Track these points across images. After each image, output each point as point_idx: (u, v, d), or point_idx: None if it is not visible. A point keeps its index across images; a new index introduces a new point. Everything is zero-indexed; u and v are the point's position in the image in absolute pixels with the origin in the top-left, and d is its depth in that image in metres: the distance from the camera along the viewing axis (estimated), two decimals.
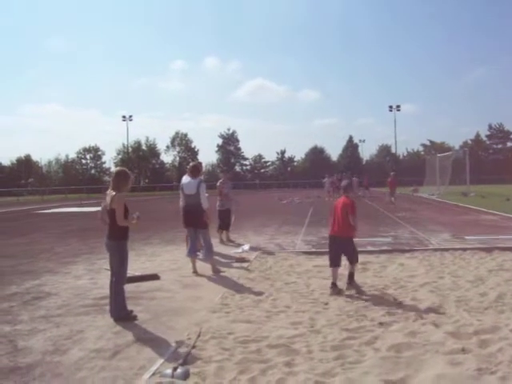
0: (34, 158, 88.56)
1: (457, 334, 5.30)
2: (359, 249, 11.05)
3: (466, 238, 12.96)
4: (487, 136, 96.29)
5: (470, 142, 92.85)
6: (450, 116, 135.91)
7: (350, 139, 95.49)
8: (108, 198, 6.33)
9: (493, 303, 6.51)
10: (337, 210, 7.69)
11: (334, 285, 7.55)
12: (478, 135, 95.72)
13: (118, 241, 6.33)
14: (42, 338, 5.67)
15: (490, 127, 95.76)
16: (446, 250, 10.97)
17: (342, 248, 7.72)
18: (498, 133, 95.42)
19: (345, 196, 7.82)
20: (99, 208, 6.68)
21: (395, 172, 35.37)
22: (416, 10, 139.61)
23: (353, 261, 7.79)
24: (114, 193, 6.31)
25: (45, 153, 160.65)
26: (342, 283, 7.77)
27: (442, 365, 4.48)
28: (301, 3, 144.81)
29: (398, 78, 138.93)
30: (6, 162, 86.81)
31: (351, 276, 7.82)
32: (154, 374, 4.49)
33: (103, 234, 6.57)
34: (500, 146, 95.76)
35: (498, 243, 11.66)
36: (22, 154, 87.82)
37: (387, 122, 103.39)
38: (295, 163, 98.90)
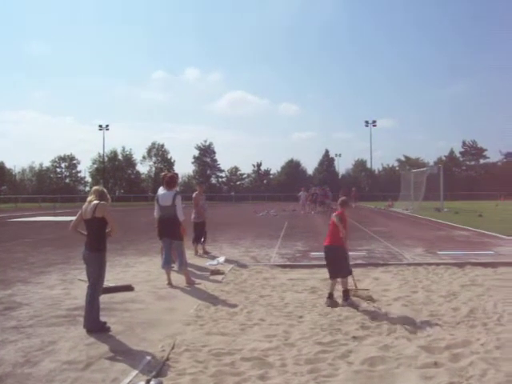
0: (8, 165, 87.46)
1: (429, 348, 5.37)
2: None
3: (439, 253, 13.10)
4: (461, 153, 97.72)
5: (444, 158, 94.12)
6: (426, 130, 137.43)
7: (326, 153, 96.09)
8: (89, 206, 6.31)
9: (465, 318, 6.60)
10: (330, 223, 7.90)
11: (330, 295, 7.69)
12: (452, 152, 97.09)
13: (98, 252, 6.33)
14: (12, 349, 5.57)
15: (464, 144, 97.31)
16: (420, 264, 11.10)
17: (329, 256, 7.81)
18: (471, 150, 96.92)
19: (341, 209, 7.88)
20: (74, 218, 6.63)
21: (355, 188, 49.56)
22: (397, 24, 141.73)
23: (332, 273, 7.79)
24: (96, 201, 6.31)
25: (18, 159, 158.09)
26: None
27: (415, 378, 4.53)
28: (283, 16, 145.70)
29: (378, 92, 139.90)
30: None
31: (344, 293, 7.70)
32: None
33: (77, 244, 6.55)
34: (473, 163, 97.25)
35: (471, 258, 11.80)
36: None
37: (365, 136, 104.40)
38: (271, 176, 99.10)
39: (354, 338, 5.83)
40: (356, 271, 10.32)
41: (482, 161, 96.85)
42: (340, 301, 7.65)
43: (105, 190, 6.60)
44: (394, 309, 7.19)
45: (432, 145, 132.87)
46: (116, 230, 6.50)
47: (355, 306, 7.42)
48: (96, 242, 6.32)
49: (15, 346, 5.65)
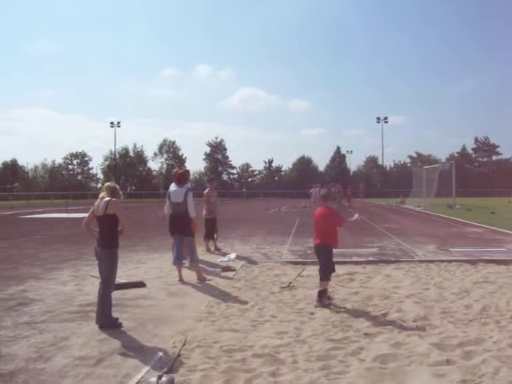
0: (21, 162, 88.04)
1: (441, 345, 5.34)
2: (345, 259, 11.11)
3: (452, 250, 13.03)
4: (473, 149, 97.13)
5: (456, 154, 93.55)
6: (438, 127, 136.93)
7: (338, 150, 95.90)
8: (101, 203, 6.32)
9: (477, 315, 6.56)
10: (317, 221, 7.58)
11: (328, 297, 7.50)
12: (464, 148, 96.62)
13: (111, 249, 6.35)
14: (25, 344, 5.61)
15: (476, 140, 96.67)
16: (432, 261, 11.04)
17: (322, 255, 7.50)
18: (483, 146, 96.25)
19: (324, 206, 7.63)
20: (86, 214, 6.66)
21: (364, 183, 55.82)
22: (408, 21, 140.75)
23: (321, 274, 7.46)
24: (108, 198, 6.32)
25: (31, 157, 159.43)
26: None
27: (427, 376, 4.51)
28: (294, 13, 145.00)
29: (390, 89, 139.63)
30: None
31: (320, 294, 7.37)
32: (138, 382, 4.48)
33: (89, 241, 6.56)
34: (485, 160, 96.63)
35: (483, 256, 11.73)
36: (8, 158, 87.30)
37: (377, 133, 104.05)
38: (282, 173, 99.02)
39: (366, 334, 5.80)
40: (367, 268, 10.36)
41: (494, 157, 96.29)
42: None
43: (117, 187, 6.60)
44: (405, 306, 7.15)
45: (444, 141, 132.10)
46: (127, 228, 6.51)
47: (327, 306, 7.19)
48: (108, 238, 6.33)
49: (28, 342, 5.69)
